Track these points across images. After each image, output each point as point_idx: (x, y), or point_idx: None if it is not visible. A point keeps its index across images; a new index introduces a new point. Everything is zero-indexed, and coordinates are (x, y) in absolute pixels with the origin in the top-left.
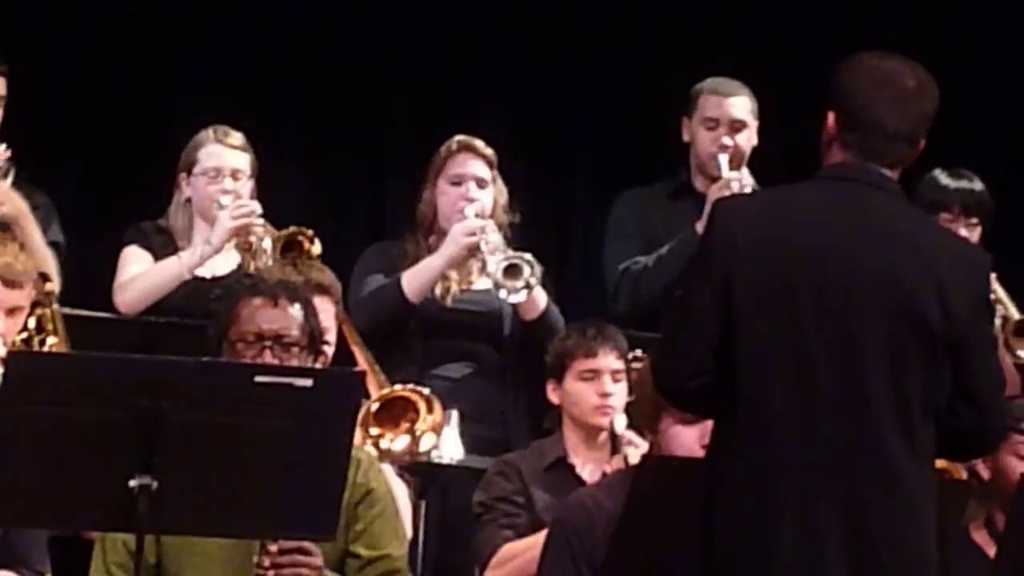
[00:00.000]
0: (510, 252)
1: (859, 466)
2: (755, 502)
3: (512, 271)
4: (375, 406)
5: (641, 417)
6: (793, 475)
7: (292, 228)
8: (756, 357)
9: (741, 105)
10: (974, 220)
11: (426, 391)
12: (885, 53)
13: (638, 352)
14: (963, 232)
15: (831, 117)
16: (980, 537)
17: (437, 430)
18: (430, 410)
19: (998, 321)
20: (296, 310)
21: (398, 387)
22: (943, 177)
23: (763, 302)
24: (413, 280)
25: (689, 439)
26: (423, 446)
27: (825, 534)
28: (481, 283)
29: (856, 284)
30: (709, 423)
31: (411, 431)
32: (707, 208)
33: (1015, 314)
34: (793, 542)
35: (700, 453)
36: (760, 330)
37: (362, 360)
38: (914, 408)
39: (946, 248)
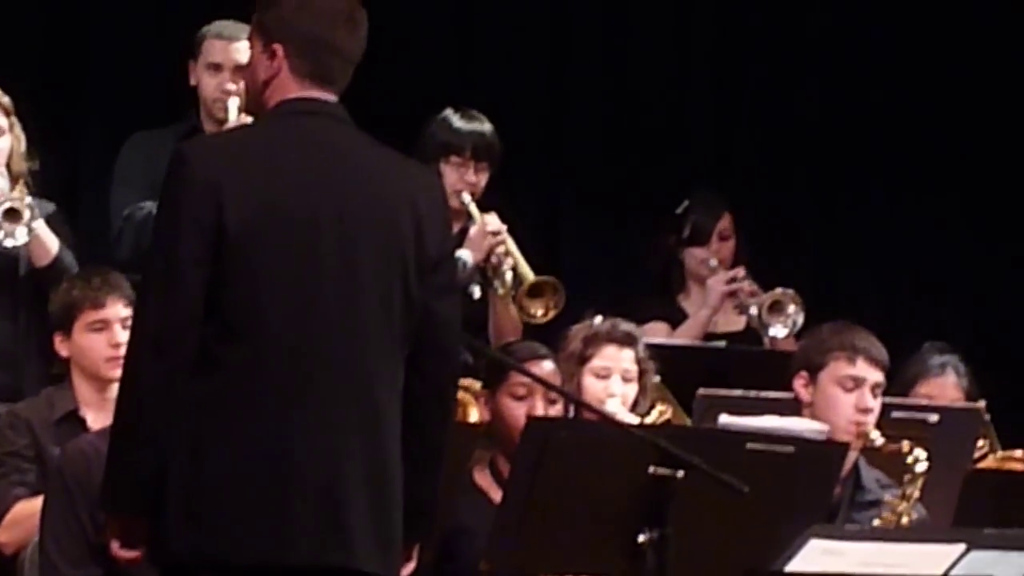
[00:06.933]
0: (12, 195)
1: (355, 400)
2: (267, 430)
3: (12, 215)
4: None
5: None
6: (302, 404)
7: None
8: (261, 297)
9: (245, 49)
10: (484, 163)
11: None
12: None
13: None
14: (471, 176)
15: (279, 50)
16: (483, 480)
17: None
18: None
19: (508, 275)
20: None
21: None
22: (456, 119)
23: (264, 244)
24: None
25: None
26: None
27: (340, 455)
28: None
29: (349, 219)
30: None
31: None
32: None
33: (530, 275)
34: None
35: None
36: (264, 270)
37: None
38: (399, 341)
39: (411, 174)
